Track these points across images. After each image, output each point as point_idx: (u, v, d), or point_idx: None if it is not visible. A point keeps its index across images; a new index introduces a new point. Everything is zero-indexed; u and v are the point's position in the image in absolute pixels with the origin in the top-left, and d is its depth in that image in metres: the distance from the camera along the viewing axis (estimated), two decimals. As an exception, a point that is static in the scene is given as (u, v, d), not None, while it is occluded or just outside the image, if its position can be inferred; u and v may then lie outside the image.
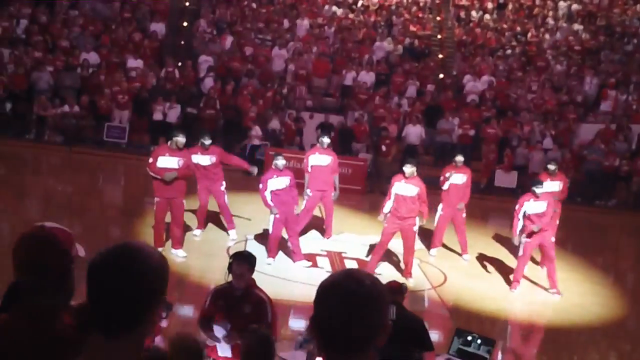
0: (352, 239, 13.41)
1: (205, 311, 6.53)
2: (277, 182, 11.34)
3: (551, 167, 13.48)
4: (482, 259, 13.44)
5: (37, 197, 15.98)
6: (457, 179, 12.99)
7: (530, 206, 11.49)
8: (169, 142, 11.43)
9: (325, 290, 2.09)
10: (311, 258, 12.26)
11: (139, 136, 20.02)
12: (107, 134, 19.44)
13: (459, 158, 13.14)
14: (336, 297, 2.05)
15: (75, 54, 21.11)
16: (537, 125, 20.91)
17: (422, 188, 11.44)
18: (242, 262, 6.42)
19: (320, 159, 12.86)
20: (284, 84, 22.08)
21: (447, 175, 13.04)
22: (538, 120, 21.27)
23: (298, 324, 9.87)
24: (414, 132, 19.78)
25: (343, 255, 12.77)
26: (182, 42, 23.23)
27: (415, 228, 11.63)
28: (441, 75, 23.68)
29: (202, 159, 12.29)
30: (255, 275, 6.63)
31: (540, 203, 11.46)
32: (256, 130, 19.14)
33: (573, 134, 21.04)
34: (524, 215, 11.53)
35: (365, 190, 17.85)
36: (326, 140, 12.99)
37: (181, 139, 11.25)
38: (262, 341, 4.93)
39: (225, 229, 12.99)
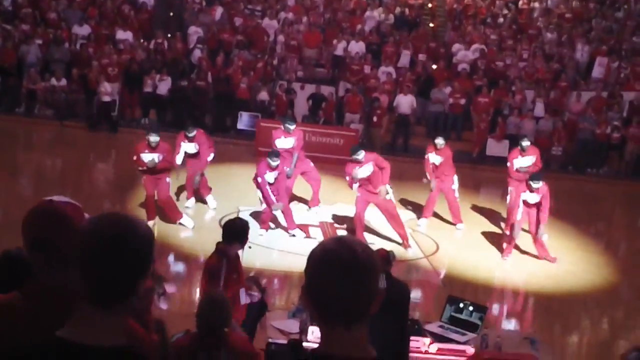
0: (344, 209, 13.41)
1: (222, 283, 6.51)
2: (269, 177, 11.59)
3: (524, 143, 13.37)
4: (474, 228, 13.47)
5: (29, 172, 15.92)
6: (435, 159, 13.03)
7: (527, 196, 11.68)
8: (146, 140, 11.62)
9: (317, 259, 2.05)
10: (303, 229, 12.28)
11: (130, 109, 19.91)
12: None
13: (439, 141, 13.11)
14: (328, 267, 2.00)
15: (63, 26, 20.93)
16: (528, 94, 20.87)
17: (376, 159, 11.51)
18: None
19: (285, 142, 12.86)
20: (275, 54, 21.95)
21: (427, 156, 13.08)
22: (530, 88, 21.22)
23: (291, 293, 9.91)
24: (405, 102, 19.70)
25: (335, 225, 12.80)
26: (172, 14, 23.03)
27: (389, 196, 11.67)
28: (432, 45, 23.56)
29: (189, 147, 12.57)
30: (248, 247, 6.71)
31: (535, 195, 11.61)
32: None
33: (565, 103, 21.00)
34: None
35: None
36: (291, 126, 12.94)
37: (153, 139, 11.49)
38: (216, 301, 4.92)
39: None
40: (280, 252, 11.49)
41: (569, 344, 9.97)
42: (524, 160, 13.17)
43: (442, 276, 11.67)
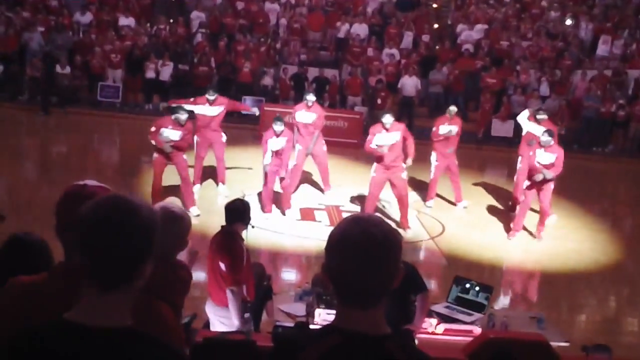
0: (349, 191, 13.42)
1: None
2: (276, 143, 11.45)
3: (539, 115, 13.31)
4: (479, 208, 13.47)
5: (33, 158, 15.96)
6: (451, 130, 12.95)
7: (541, 156, 11.47)
8: (172, 116, 11.47)
9: (335, 240, 2.06)
10: (309, 212, 12.29)
11: (133, 95, 19.92)
12: (100, 93, 19.33)
13: (453, 108, 13.06)
14: (346, 248, 2.01)
15: (64, 13, 20.91)
16: (533, 73, 20.79)
17: (404, 129, 11.54)
18: None
19: (305, 116, 12.92)
20: (277, 38, 21.88)
21: (442, 128, 12.92)
22: (534, 68, 21.13)
23: (296, 276, 9.94)
24: (410, 84, 19.65)
25: (341, 208, 12.80)
26: (173, -1, 22.98)
27: (404, 175, 11.64)
28: (436, 25, 23.47)
29: (210, 110, 12.46)
30: (253, 230, 6.67)
31: (549, 155, 11.41)
32: None
33: (570, 82, 20.91)
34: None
35: (361, 144, 17.74)
36: (310, 97, 13.03)
37: (182, 116, 11.37)
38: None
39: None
40: (285, 235, 11.50)
41: (575, 322, 9.99)
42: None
43: (443, 256, 11.65)
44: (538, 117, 13.13)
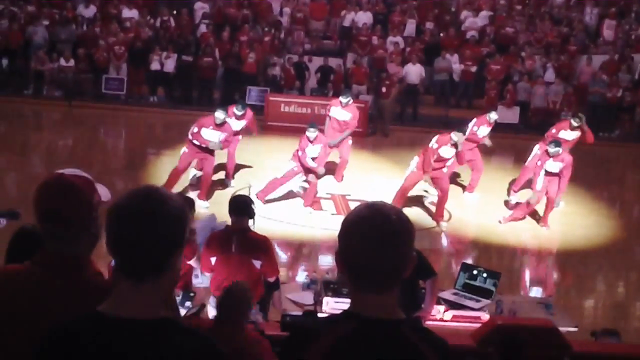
0: (356, 180, 13.41)
1: None
2: (312, 150, 11.59)
3: (575, 122, 13.16)
4: (486, 195, 13.43)
5: (39, 152, 15.98)
6: (485, 132, 13.02)
7: (549, 165, 11.59)
8: (214, 117, 11.59)
9: (349, 225, 2.08)
10: (316, 201, 12.29)
11: (137, 87, 19.89)
12: (105, 86, 19.30)
13: (494, 115, 13.27)
14: (361, 234, 2.04)
15: (68, 6, 20.90)
16: (538, 59, 20.70)
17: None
18: None
19: (340, 113, 13.24)
20: (281, 28, 21.82)
21: (482, 130, 13.00)
22: (539, 54, 21.04)
23: (304, 265, 9.95)
24: (414, 72, 19.55)
25: (347, 197, 12.80)
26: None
27: (445, 169, 11.70)
28: (436, 11, 23.35)
29: (236, 124, 12.60)
30: (256, 219, 6.72)
31: (556, 163, 11.53)
32: None
33: (575, 67, 20.82)
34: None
35: (367, 132, 17.76)
36: (345, 99, 13.28)
37: (218, 115, 11.50)
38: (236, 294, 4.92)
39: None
40: (293, 225, 11.50)
41: (584, 307, 9.98)
42: (571, 134, 13.03)
43: (449, 243, 11.64)
44: (574, 123, 12.98)
